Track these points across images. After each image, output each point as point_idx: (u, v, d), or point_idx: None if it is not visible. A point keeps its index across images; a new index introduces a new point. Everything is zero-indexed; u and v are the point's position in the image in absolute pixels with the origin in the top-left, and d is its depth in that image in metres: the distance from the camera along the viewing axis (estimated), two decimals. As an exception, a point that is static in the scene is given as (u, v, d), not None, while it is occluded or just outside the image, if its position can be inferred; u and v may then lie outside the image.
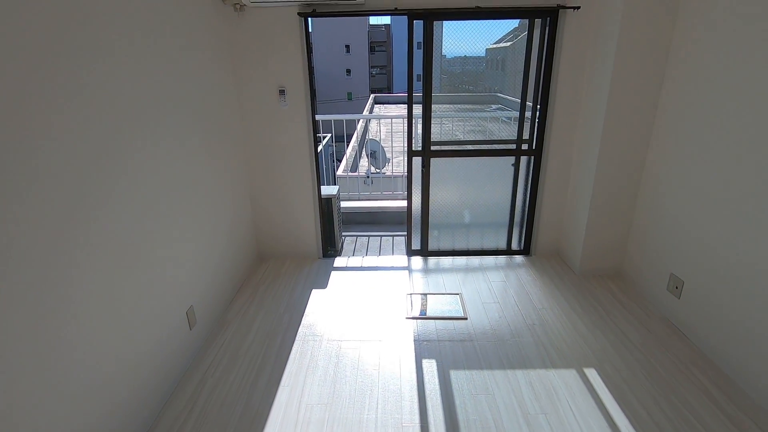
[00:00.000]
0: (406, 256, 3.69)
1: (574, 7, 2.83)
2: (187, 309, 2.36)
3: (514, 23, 4.31)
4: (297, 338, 2.63)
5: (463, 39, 3.52)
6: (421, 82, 3.18)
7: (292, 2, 2.83)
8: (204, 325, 2.59)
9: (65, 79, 1.48)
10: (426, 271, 3.46)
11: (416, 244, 3.67)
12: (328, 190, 3.70)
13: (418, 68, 3.18)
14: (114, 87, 1.75)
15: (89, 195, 1.60)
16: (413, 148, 3.35)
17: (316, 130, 3.33)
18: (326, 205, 3.64)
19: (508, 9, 2.90)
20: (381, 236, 4.31)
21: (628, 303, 2.91)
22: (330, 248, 3.79)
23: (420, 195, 3.50)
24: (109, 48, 1.72)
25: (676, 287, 2.65)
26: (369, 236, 4.30)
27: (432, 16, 2.95)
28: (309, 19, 3.00)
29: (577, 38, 2.96)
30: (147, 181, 1.97)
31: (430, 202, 3.51)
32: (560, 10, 2.92)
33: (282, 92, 3.11)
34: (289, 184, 3.40)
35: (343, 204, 4.70)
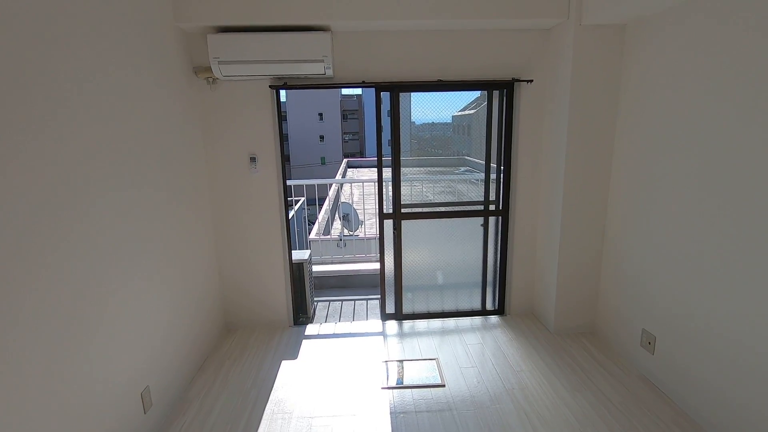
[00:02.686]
0: (380, 321, 3.59)
1: (527, 80, 3.08)
2: (142, 390, 2.16)
3: (477, 93, 4.64)
4: (264, 417, 2.43)
5: (430, 107, 3.74)
6: (391, 147, 3.30)
7: (263, 76, 2.96)
8: (161, 407, 2.37)
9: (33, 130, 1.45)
10: (401, 335, 3.36)
11: (390, 308, 3.60)
12: (299, 254, 3.65)
13: (388, 134, 3.32)
14: (75, 151, 1.72)
15: (29, 254, 1.50)
16: (384, 212, 3.39)
17: (287, 195, 3.35)
18: (297, 271, 3.57)
19: (467, 82, 3.12)
20: (354, 300, 4.21)
21: (605, 361, 2.88)
22: (301, 315, 3.65)
23: (392, 257, 3.49)
24: (83, 109, 1.72)
25: (649, 343, 2.66)
26: (342, 301, 4.19)
27: (397, 89, 3.13)
28: (280, 90, 3.13)
29: (532, 107, 3.19)
30: (101, 243, 1.88)
31: (402, 265, 3.49)
32: (515, 83, 3.17)
33: (253, 159, 3.15)
34: (260, 250, 3.33)
35: (316, 268, 4.62)
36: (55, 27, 1.65)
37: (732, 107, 2.01)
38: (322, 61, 2.82)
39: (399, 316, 3.58)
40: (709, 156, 2.15)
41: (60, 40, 1.67)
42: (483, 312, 3.65)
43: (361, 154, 30.40)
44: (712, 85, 2.11)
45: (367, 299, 4.21)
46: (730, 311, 2.07)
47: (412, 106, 3.99)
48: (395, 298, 3.56)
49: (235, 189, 3.21)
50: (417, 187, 5.85)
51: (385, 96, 3.19)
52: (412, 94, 3.38)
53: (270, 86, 3.03)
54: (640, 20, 2.61)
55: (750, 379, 1.98)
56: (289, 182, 4.51)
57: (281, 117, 3.24)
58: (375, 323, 3.57)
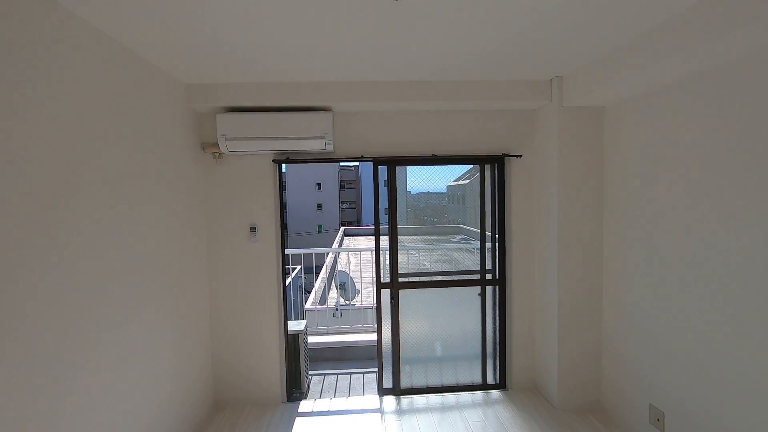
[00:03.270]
0: (377, 396, 3.44)
1: (516, 156, 3.27)
2: (122, 475, 2.02)
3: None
4: (252, 507, 2.24)
5: (426, 177, 3.90)
6: (387, 217, 3.40)
7: (267, 151, 3.13)
8: (140, 495, 2.19)
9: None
10: (399, 412, 3.20)
11: (388, 382, 3.46)
12: (295, 325, 3.58)
13: (385, 203, 3.43)
14: (86, 215, 1.78)
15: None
16: (381, 281, 3.40)
17: (285, 264, 3.37)
18: (293, 343, 3.48)
19: (460, 157, 3.30)
20: (351, 374, 4.06)
21: (615, 440, 2.74)
22: (295, 390, 3.50)
23: (390, 328, 3.43)
24: (92, 179, 1.81)
25: (658, 419, 2.55)
26: (338, 374, 4.04)
27: (394, 162, 3.30)
28: (282, 163, 3.29)
29: (523, 180, 3.35)
30: (76, 304, 1.87)
31: (400, 335, 3.43)
32: (505, 158, 3.35)
33: (253, 229, 3.22)
34: (255, 320, 3.28)
35: (311, 339, 4.50)
36: (85, 126, 1.79)
37: (707, 179, 2.14)
38: (324, 138, 3.01)
39: (397, 390, 3.44)
40: (700, 230, 2.24)
41: (87, 133, 1.81)
42: (484, 386, 3.51)
43: (358, 223, 30.81)
44: (678, 162, 2.26)
45: (363, 372, 4.06)
46: (741, 386, 2.03)
47: (408, 177, 4.13)
48: (393, 372, 3.44)
49: (233, 259, 3.24)
50: (414, 256, 5.89)
51: (382, 169, 3.35)
52: (407, 166, 3.56)
53: (273, 160, 3.19)
54: (614, 104, 2.85)
55: (766, 460, 1.89)
56: (287, 251, 4.55)
57: (282, 188, 3.36)
58: (372, 399, 3.41)
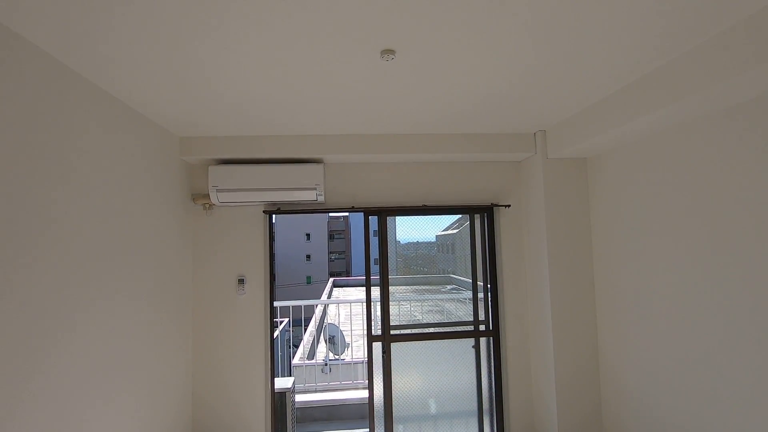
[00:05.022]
0: (369, 460, 3.22)
1: (505, 205, 3.32)
2: None
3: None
4: None
5: (415, 227, 3.93)
6: (378, 266, 3.36)
7: (258, 202, 3.13)
8: None
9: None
10: (393, 478, 2.99)
11: (380, 444, 3.26)
12: (282, 382, 3.41)
13: (375, 253, 3.42)
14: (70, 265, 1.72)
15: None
16: (372, 333, 3.30)
17: (273, 317, 3.27)
18: (279, 401, 3.30)
19: (450, 207, 3.35)
20: (340, 435, 3.82)
21: (623, 505, 2.56)
22: (281, 455, 3.26)
23: (382, 384, 3.28)
24: (87, 226, 1.77)
25: (667, 480, 2.41)
26: (327, 436, 3.80)
27: (385, 213, 3.33)
28: (273, 214, 3.29)
29: (512, 229, 3.39)
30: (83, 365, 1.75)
31: (393, 392, 3.28)
32: (494, 207, 3.41)
33: (241, 281, 3.15)
34: (240, 378, 3.11)
35: (299, 398, 4.27)
36: (76, 166, 1.80)
37: (686, 224, 2.18)
38: (315, 188, 3.04)
39: (390, 454, 3.23)
40: (684, 272, 2.25)
41: (77, 176, 1.81)
42: (482, 446, 3.32)
43: (347, 273, 30.45)
44: (656, 207, 2.32)
45: (354, 434, 3.83)
46: (741, 425, 1.95)
47: (397, 226, 4.15)
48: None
49: (220, 311, 3.14)
50: (405, 307, 5.79)
51: (373, 219, 3.37)
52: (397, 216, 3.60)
53: (264, 211, 3.19)
54: (595, 155, 2.96)
55: None
56: (277, 303, 4.43)
57: (272, 239, 3.34)
58: (363, 463, 3.19)
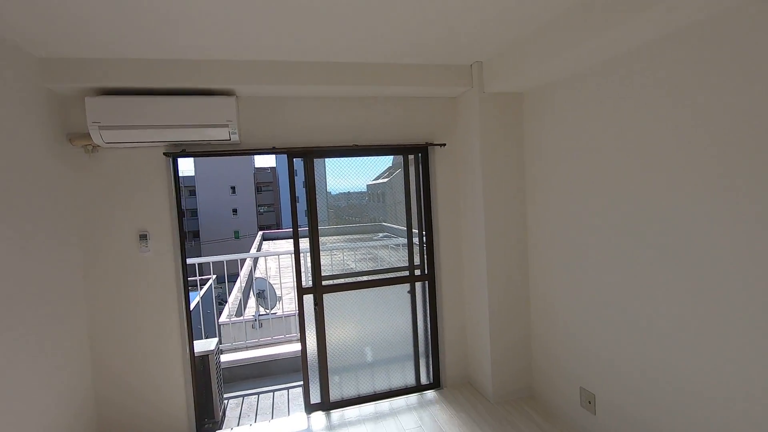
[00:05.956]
0: (305, 414, 3.10)
1: (440, 144, 3.13)
2: None
3: (389, 162, 4.71)
4: None
5: (345, 176, 3.68)
6: (307, 216, 3.07)
7: (157, 143, 2.62)
8: None
9: None
10: (330, 428, 2.90)
11: (315, 397, 3.13)
12: (204, 345, 3.10)
13: (304, 203, 3.12)
14: None
15: None
16: (303, 286, 3.06)
17: (187, 277, 2.88)
18: (201, 365, 3.00)
19: (383, 146, 3.08)
20: (274, 391, 3.65)
21: (550, 429, 2.71)
22: (207, 421, 3.02)
23: (315, 337, 3.11)
24: None
25: (589, 402, 2.56)
26: (259, 394, 3.61)
27: (311, 154, 2.98)
28: (178, 158, 2.80)
29: (448, 170, 3.23)
30: None
31: (327, 344, 3.12)
32: (429, 147, 3.21)
33: (144, 237, 2.69)
34: (152, 347, 2.75)
35: (227, 358, 4.00)
36: None
37: (624, 157, 2.15)
38: (227, 126, 2.59)
39: (326, 405, 3.13)
40: (617, 209, 2.25)
41: None
42: (418, 388, 3.34)
43: (278, 226, 29.56)
44: (594, 142, 2.27)
45: (288, 388, 3.68)
46: (663, 358, 2.06)
47: (327, 176, 3.92)
48: (321, 384, 3.13)
49: (120, 274, 2.68)
50: (337, 256, 5.62)
51: (299, 163, 3.02)
52: (326, 162, 3.28)
53: (165, 154, 2.69)
54: (531, 90, 2.84)
55: (694, 425, 1.92)
56: (192, 260, 3.99)
57: (179, 188, 2.87)
58: (299, 418, 3.06)
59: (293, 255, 3.07)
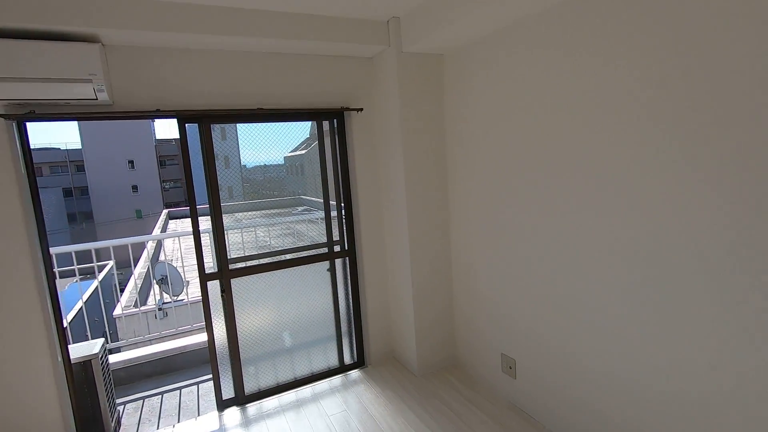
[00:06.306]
0: (216, 413, 2.79)
1: (357, 109, 2.87)
2: None
3: (306, 133, 4.34)
4: None
5: (260, 148, 3.34)
6: (206, 189, 2.66)
7: (-8, 101, 2.02)
8: None
9: None
10: (246, 424, 2.64)
11: (228, 391, 2.83)
12: (84, 348, 2.61)
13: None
14: None
15: None
16: (207, 271, 2.68)
17: (52, 268, 2.35)
18: (83, 372, 2.52)
19: (294, 111, 2.74)
20: (181, 388, 3.27)
21: (473, 396, 2.73)
22: (95, 434, 2.58)
23: (224, 327, 2.77)
24: None
25: (510, 367, 2.60)
26: (163, 393, 3.21)
27: (207, 119, 2.55)
28: (26, 122, 2.20)
29: (366, 136, 3.00)
30: None
31: (238, 333, 2.81)
32: (345, 112, 2.93)
33: (-17, 223, 2.10)
34: (9, 357, 2.21)
35: (123, 357, 3.49)
36: None
37: (543, 120, 2.09)
38: (90, 81, 2.07)
39: (241, 399, 2.84)
40: (536, 175, 2.21)
41: None
42: (342, 368, 3.19)
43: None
44: (513, 104, 2.19)
45: (198, 383, 3.32)
46: (577, 321, 2.09)
47: (240, 147, 3.60)
48: (234, 378, 2.83)
49: (-47, 271, 2.08)
50: (253, 233, 5.18)
51: (194, 129, 2.57)
52: (239, 131, 2.88)
53: (3, 116, 2.08)
54: (451, 51, 2.68)
55: (608, 389, 1.99)
56: (61, 249, 3.37)
57: (31, 161, 2.27)
58: (210, 418, 2.75)
59: (194, 237, 2.66)
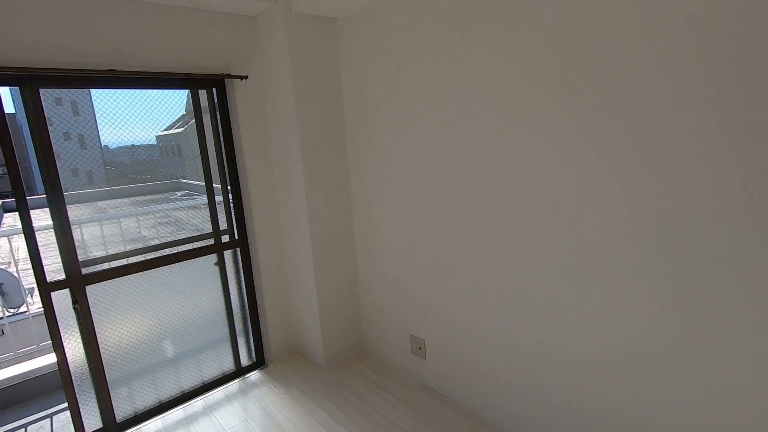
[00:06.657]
0: (78, 450, 2.26)
1: (241, 77, 2.47)
2: None
3: (182, 109, 3.70)
4: None
5: (123, 125, 2.75)
6: (42, 174, 2.06)
7: None
8: None
9: None
10: (121, 457, 2.19)
11: (94, 422, 2.31)
12: None
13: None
14: None
15: None
16: (49, 279, 2.10)
17: None
18: None
19: (160, 76, 2.22)
20: (26, 426, 2.61)
21: (384, 382, 2.64)
22: None
23: (82, 345, 2.23)
24: None
25: (419, 348, 2.56)
26: (0, 436, 2.53)
27: (34, 81, 1.94)
28: None
29: (253, 108, 2.62)
30: None
31: (102, 351, 2.29)
32: (227, 79, 2.51)
33: None
34: None
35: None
36: None
37: (443, 92, 2.01)
38: None
39: (111, 428, 2.35)
40: (439, 146, 2.12)
41: None
42: (239, 372, 2.85)
43: (30, 190, 22.63)
44: (410, 74, 2.08)
45: (50, 415, 2.69)
46: (485, 298, 2.10)
47: (98, 124, 2.99)
48: (100, 403, 2.32)
49: None
50: (119, 225, 4.39)
51: (15, 93, 1.94)
52: (94, 104, 2.35)
53: None
54: (345, 16, 2.44)
55: (514, 361, 2.04)
56: None
57: None
58: (69, 457, 2.22)
59: (25, 236, 2.05)
